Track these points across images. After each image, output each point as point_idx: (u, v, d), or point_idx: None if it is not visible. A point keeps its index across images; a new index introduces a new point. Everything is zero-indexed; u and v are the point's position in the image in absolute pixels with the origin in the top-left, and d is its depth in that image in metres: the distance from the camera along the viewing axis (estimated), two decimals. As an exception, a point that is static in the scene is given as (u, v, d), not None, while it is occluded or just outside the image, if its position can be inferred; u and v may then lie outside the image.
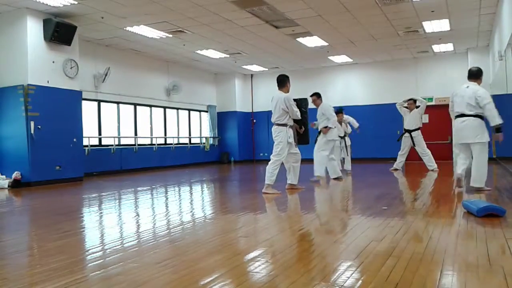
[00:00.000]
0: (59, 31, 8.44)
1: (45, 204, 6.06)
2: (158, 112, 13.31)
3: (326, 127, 7.72)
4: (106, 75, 10.99)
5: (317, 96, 8.05)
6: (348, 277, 2.31)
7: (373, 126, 13.83)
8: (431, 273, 2.37)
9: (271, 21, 9.32)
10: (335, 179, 7.93)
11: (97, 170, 10.73)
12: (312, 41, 11.24)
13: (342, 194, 6.47)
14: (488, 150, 5.63)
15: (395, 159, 10.00)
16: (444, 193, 5.91)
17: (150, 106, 12.92)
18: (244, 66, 14.62)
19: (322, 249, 3.07)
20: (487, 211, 3.84)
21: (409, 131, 9.57)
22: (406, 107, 9.83)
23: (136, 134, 12.35)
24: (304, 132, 6.56)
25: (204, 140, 15.28)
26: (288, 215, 4.71)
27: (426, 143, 9.56)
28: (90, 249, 3.31)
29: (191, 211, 5.15)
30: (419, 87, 13.62)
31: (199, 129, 15.34)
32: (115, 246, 3.33)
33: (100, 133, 11.15)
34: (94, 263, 2.83)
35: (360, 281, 2.25)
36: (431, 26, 9.99)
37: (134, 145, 12.19)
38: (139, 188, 7.71)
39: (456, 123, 5.71)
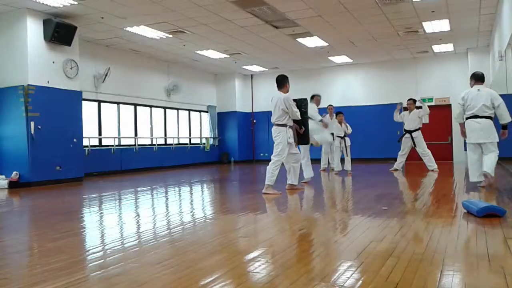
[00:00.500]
0: (59, 32, 8.44)
1: (46, 204, 6.05)
2: (158, 113, 13.31)
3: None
4: (106, 75, 11.00)
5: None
6: (348, 277, 2.31)
7: (373, 126, 13.85)
8: (431, 273, 2.37)
9: (271, 21, 9.32)
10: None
11: (97, 171, 10.73)
12: (312, 42, 11.24)
13: (342, 195, 6.48)
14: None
15: (395, 159, 10.01)
16: (444, 193, 5.91)
17: (150, 106, 12.92)
18: (244, 66, 14.62)
19: (322, 249, 3.08)
20: (487, 211, 3.84)
21: (410, 132, 9.58)
22: (405, 108, 9.83)
23: (136, 134, 12.35)
24: (304, 132, 6.56)
25: (204, 141, 15.28)
26: (288, 215, 4.70)
27: (426, 144, 9.57)
28: (90, 249, 3.31)
29: (191, 212, 5.15)
30: (419, 87, 13.62)
31: (199, 130, 15.33)
32: (115, 246, 3.33)
33: (100, 134, 11.15)
34: (94, 263, 2.83)
35: (360, 281, 2.25)
36: (431, 26, 9.98)
37: (134, 145, 12.19)
38: (139, 188, 7.70)
39: (472, 124, 6.02)
